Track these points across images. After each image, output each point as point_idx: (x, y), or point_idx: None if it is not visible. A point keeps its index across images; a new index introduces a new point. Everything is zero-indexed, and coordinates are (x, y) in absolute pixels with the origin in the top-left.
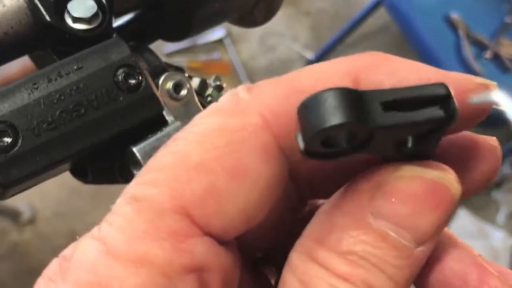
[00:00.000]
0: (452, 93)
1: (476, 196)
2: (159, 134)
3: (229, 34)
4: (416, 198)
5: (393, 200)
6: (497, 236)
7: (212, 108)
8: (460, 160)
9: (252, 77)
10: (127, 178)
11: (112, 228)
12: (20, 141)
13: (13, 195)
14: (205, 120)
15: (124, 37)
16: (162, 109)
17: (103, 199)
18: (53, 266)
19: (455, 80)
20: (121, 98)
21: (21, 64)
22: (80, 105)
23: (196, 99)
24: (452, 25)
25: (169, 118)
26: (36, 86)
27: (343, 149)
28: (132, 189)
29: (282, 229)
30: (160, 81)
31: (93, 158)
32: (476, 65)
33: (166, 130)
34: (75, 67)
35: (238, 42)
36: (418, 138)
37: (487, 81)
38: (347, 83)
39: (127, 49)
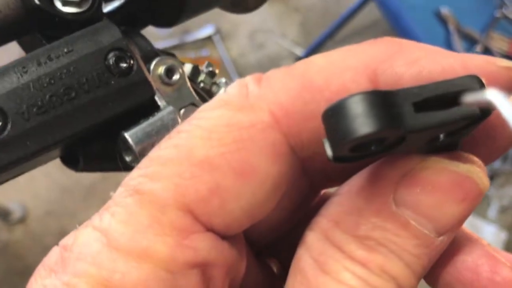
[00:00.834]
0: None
1: None
2: (151, 119)
3: (218, 31)
4: (443, 190)
5: (418, 189)
6: (489, 230)
7: (219, 100)
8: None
9: (242, 74)
10: (118, 164)
11: (114, 220)
12: (9, 126)
13: (1, 182)
14: (211, 113)
15: (115, 23)
16: (154, 94)
17: (94, 198)
18: (54, 255)
19: (476, 65)
20: (112, 82)
21: None
22: (71, 89)
23: (189, 84)
24: (442, 20)
25: (161, 103)
26: (25, 69)
27: (373, 152)
28: (135, 181)
29: (290, 221)
30: (152, 66)
31: (84, 143)
32: None
33: (158, 115)
34: (65, 50)
35: (227, 39)
36: (450, 132)
37: (510, 63)
38: (363, 79)
39: (118, 32)
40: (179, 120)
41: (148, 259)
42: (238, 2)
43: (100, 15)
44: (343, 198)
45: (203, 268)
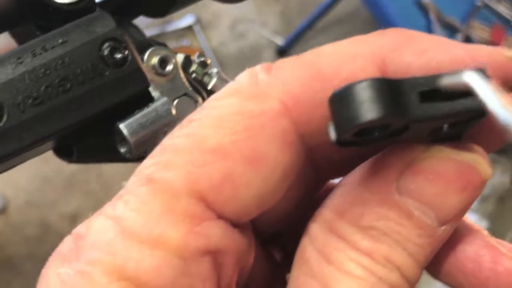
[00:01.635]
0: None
1: None
2: (145, 110)
3: (198, 21)
4: (445, 178)
5: (421, 178)
6: (470, 219)
7: (230, 89)
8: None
9: (223, 64)
10: (112, 156)
11: (127, 208)
12: (5, 117)
13: None
14: (222, 102)
15: (107, 13)
16: (148, 85)
17: (75, 188)
18: (67, 244)
19: (484, 55)
20: (107, 73)
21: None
22: (66, 80)
23: (182, 74)
24: (423, 9)
25: (155, 93)
26: (20, 60)
27: (376, 137)
28: (148, 169)
29: (296, 211)
30: (145, 57)
31: (79, 135)
32: None
33: (152, 106)
34: (60, 40)
35: (207, 29)
36: (454, 123)
37: None
38: (372, 67)
39: (112, 22)
40: (173, 110)
41: (162, 246)
42: None
43: (93, 5)
44: (346, 189)
45: (214, 255)
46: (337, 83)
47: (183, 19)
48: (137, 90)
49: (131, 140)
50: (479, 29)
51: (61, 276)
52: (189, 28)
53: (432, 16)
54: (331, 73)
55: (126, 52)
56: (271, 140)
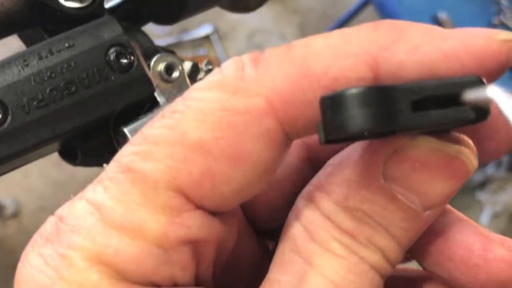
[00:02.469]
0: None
1: (460, 196)
2: (150, 116)
3: (216, 31)
4: (431, 168)
5: (407, 166)
6: None
7: (214, 80)
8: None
9: None
10: None
11: (107, 195)
12: (9, 118)
13: (0, 174)
14: (205, 94)
15: (116, 19)
16: (154, 90)
17: None
18: (49, 225)
19: (477, 45)
20: (112, 78)
21: None
22: (71, 84)
23: (188, 82)
24: (439, 25)
25: (160, 99)
26: (26, 63)
27: (365, 137)
28: (127, 158)
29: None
30: (152, 63)
31: (83, 138)
32: None
33: (157, 111)
34: (66, 44)
35: (225, 39)
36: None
37: (510, 35)
38: (364, 67)
39: (119, 28)
40: None
41: (141, 236)
42: (239, 1)
43: (101, 11)
44: (334, 169)
45: (194, 244)
46: (326, 83)
47: (201, 28)
48: (142, 96)
49: None
50: None
51: (44, 256)
52: (207, 37)
53: None
54: (320, 72)
55: (132, 58)
56: (255, 138)
